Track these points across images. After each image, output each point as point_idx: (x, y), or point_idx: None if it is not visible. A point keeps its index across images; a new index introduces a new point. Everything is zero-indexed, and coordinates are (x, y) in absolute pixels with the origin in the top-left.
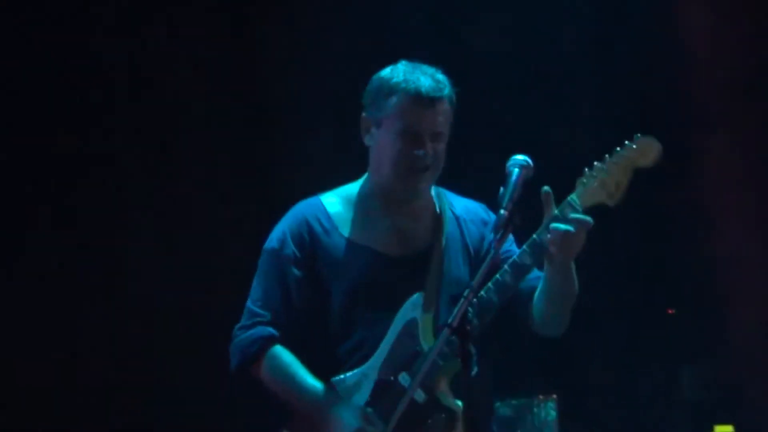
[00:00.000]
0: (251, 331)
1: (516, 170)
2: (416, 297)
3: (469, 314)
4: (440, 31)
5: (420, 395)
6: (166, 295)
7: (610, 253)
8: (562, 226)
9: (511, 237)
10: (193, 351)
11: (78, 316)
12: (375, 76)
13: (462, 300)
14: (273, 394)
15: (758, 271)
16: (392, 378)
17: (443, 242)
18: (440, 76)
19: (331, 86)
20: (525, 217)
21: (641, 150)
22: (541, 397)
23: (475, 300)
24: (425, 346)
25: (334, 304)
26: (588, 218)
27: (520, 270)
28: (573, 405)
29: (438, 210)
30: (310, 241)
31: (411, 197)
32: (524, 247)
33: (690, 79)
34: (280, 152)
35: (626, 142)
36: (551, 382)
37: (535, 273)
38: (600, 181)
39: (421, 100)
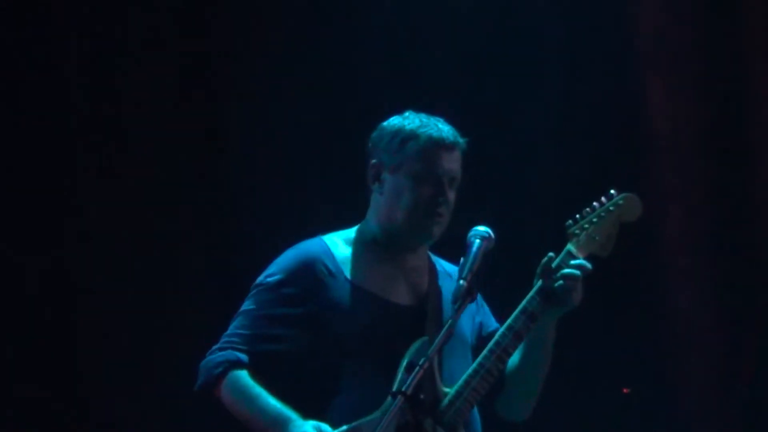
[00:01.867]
0: (221, 353)
1: (477, 241)
2: (424, 341)
3: (474, 378)
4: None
5: None
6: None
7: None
8: (575, 271)
9: (488, 311)
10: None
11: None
12: (385, 124)
13: (417, 368)
14: (235, 416)
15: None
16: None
17: (440, 295)
18: (450, 125)
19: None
20: (484, 288)
21: (627, 207)
22: None
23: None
24: (447, 391)
25: (333, 348)
26: (588, 264)
27: (532, 319)
28: None
29: (431, 263)
30: (314, 281)
31: (423, 243)
32: (534, 296)
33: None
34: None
35: (612, 197)
36: None
37: None
38: (590, 234)
39: (444, 144)
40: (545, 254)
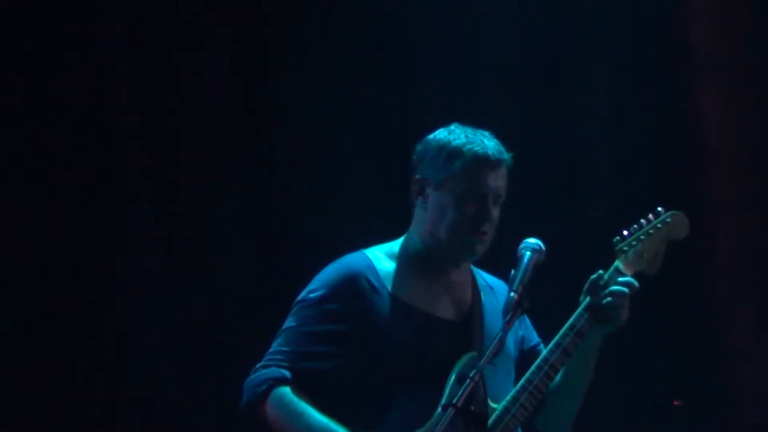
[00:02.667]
0: (264, 371)
1: (528, 254)
2: (472, 356)
3: (523, 395)
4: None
5: None
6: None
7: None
8: (622, 288)
9: (529, 324)
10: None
11: None
12: (430, 138)
13: (468, 381)
14: None
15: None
16: None
17: (483, 309)
18: (497, 140)
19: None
20: (534, 301)
21: (675, 225)
22: None
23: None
24: (495, 407)
25: (379, 364)
26: (636, 282)
27: (580, 336)
28: None
29: (474, 278)
30: (359, 297)
31: (467, 260)
32: (582, 313)
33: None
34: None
35: (659, 215)
36: None
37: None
38: (638, 252)
39: (489, 162)
40: (592, 268)
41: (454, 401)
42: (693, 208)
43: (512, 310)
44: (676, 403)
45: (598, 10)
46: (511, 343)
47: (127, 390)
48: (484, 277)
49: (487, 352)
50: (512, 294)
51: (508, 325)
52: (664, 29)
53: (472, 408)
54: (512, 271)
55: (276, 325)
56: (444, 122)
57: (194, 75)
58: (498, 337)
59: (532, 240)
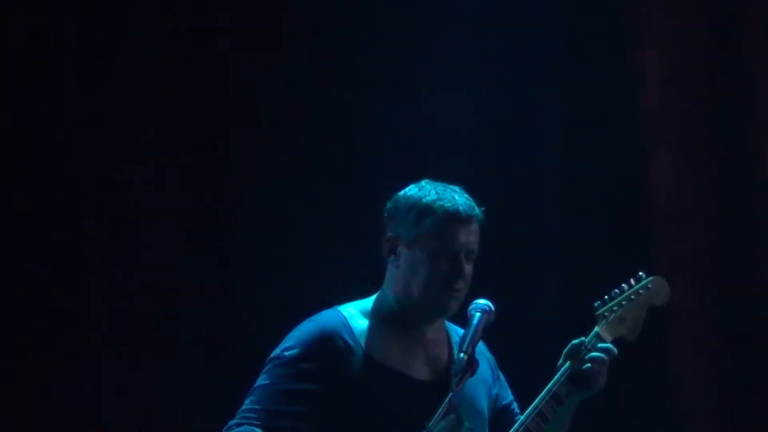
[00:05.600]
0: (238, 429)
1: (477, 314)
2: (452, 419)
3: None
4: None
5: None
6: None
7: None
8: (602, 355)
9: (504, 382)
10: None
11: None
12: (400, 195)
13: None
14: None
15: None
16: None
17: None
18: (467, 195)
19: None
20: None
21: (656, 290)
22: None
23: None
24: None
25: (353, 426)
26: (615, 349)
27: (558, 402)
28: None
29: (448, 335)
30: (334, 357)
31: (441, 318)
32: (561, 379)
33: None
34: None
35: (641, 279)
36: None
37: None
38: (619, 318)
39: (460, 219)
40: (546, 327)
41: None
42: (646, 266)
43: (462, 372)
44: None
45: (547, 70)
46: (485, 401)
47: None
48: (458, 333)
49: (436, 415)
50: (462, 355)
51: (457, 386)
52: (615, 88)
53: None
54: (462, 332)
55: (243, 381)
56: (410, 177)
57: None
58: (448, 398)
59: (481, 300)
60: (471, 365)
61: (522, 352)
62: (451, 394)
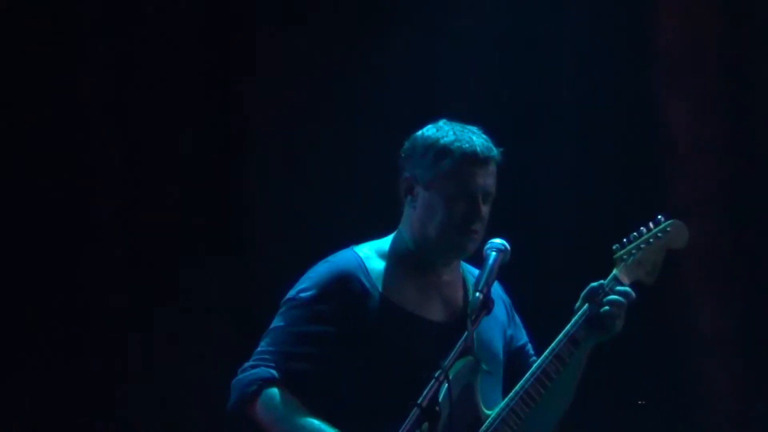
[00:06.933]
0: (253, 371)
1: (493, 254)
2: (470, 360)
3: (515, 401)
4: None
5: None
6: None
7: None
8: (620, 298)
9: (519, 323)
10: None
11: None
12: (417, 136)
13: (433, 381)
14: None
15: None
16: None
17: None
18: (485, 136)
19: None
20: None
21: (675, 234)
22: None
23: None
24: (489, 413)
25: (369, 368)
26: (633, 292)
27: (575, 344)
28: None
29: (464, 276)
30: (350, 299)
31: (457, 259)
32: (578, 321)
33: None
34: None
35: (659, 223)
36: None
37: None
38: (638, 261)
39: (477, 160)
40: (562, 270)
41: (419, 401)
42: (663, 209)
43: (478, 311)
44: (640, 402)
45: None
46: (499, 343)
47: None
48: (474, 274)
49: (452, 353)
50: (477, 294)
51: (473, 325)
52: (632, 30)
53: (437, 409)
54: (477, 272)
55: (260, 324)
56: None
57: None
58: (463, 338)
59: (497, 240)
60: (486, 304)
61: (538, 294)
62: (466, 333)
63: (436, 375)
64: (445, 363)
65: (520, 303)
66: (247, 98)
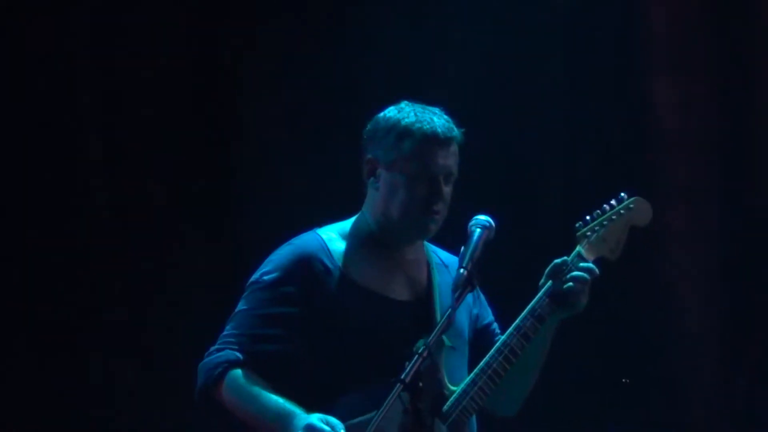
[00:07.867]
0: (218, 354)
1: (478, 230)
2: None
3: (481, 378)
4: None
5: None
6: None
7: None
8: (584, 274)
9: (484, 302)
10: None
11: None
12: (380, 117)
13: (416, 357)
14: (236, 418)
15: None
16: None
17: (438, 288)
18: (447, 117)
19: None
20: (484, 278)
21: (638, 211)
22: None
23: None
24: (453, 389)
25: (333, 348)
26: (596, 268)
27: (540, 320)
28: None
29: (428, 256)
30: (313, 280)
31: (420, 239)
32: (543, 297)
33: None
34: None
35: (622, 200)
36: None
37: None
38: (601, 237)
39: (438, 141)
40: (547, 252)
41: (402, 377)
42: (646, 192)
43: (461, 287)
44: (624, 381)
45: None
46: (465, 322)
47: None
48: (438, 255)
49: (436, 329)
50: (462, 271)
51: (457, 302)
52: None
53: (421, 384)
54: (462, 248)
55: (225, 308)
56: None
57: None
58: (446, 314)
59: (482, 217)
60: (470, 281)
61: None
62: (449, 309)
63: (420, 351)
64: (429, 340)
65: (504, 281)
66: (233, 91)
